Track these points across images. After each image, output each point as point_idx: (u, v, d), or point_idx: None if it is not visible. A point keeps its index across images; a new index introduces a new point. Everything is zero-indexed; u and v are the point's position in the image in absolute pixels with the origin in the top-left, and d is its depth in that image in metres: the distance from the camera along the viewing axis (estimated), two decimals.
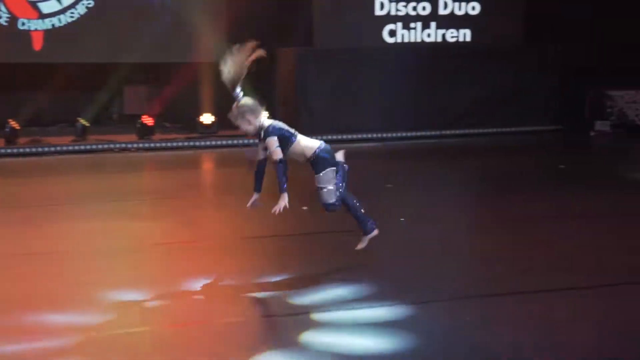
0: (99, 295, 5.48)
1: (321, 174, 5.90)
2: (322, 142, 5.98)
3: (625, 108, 13.64)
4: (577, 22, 14.15)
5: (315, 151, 5.89)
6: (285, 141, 5.82)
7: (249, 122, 5.79)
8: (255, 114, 5.80)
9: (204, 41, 13.65)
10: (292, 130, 5.93)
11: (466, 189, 9.62)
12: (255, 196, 5.97)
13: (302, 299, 5.38)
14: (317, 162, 5.91)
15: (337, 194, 5.89)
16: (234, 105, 5.82)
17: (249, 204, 5.98)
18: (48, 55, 13.33)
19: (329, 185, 5.89)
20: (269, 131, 5.78)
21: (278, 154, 5.72)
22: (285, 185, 5.71)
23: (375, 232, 6.07)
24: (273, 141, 5.74)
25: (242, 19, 13.79)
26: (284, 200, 5.70)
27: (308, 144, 5.93)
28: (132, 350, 4.61)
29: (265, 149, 5.80)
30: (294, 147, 5.87)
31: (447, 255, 6.51)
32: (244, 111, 5.78)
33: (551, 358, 4.43)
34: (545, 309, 5.16)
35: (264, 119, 5.85)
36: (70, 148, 12.27)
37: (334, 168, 5.93)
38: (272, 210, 5.70)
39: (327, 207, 5.94)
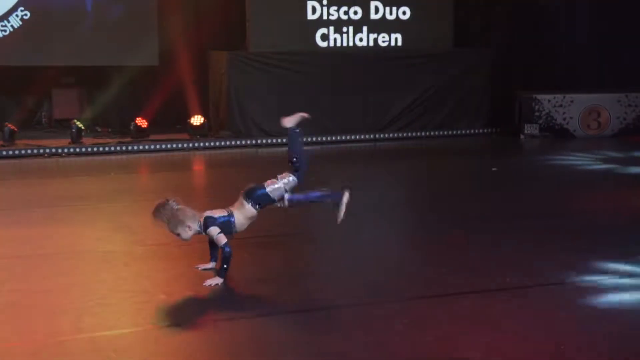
0: (29, 303, 5.37)
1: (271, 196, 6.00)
2: (247, 198, 5.95)
3: (553, 112, 13.94)
4: (505, 26, 14.45)
5: (255, 208, 5.95)
6: (227, 225, 5.87)
7: (190, 228, 5.80)
8: (194, 219, 5.81)
9: (136, 44, 13.56)
10: (226, 212, 5.93)
11: (399, 191, 9.71)
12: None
13: (239, 303, 5.38)
14: (262, 204, 5.99)
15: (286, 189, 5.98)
16: (170, 214, 5.75)
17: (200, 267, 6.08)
18: None
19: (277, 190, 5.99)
20: (207, 224, 5.81)
21: (222, 240, 5.77)
22: (224, 273, 5.75)
23: (347, 195, 6.11)
24: (214, 231, 5.79)
25: (174, 22, 13.76)
26: (218, 281, 5.72)
27: (246, 213, 5.95)
28: (66, 358, 4.53)
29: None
30: (238, 223, 5.92)
31: (380, 258, 6.56)
32: (184, 219, 5.76)
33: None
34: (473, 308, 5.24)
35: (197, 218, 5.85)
36: None
37: (280, 193, 6.01)
38: (204, 283, 5.69)
39: (289, 203, 6.01)
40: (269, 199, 5.99)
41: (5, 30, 13.08)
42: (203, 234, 5.88)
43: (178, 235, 5.83)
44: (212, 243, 5.99)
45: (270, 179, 6.04)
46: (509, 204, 8.58)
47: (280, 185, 6.01)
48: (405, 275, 6.03)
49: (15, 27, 13.11)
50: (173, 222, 5.78)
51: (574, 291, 5.59)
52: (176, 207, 5.79)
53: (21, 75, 13.38)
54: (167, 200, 5.83)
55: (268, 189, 5.99)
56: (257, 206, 5.96)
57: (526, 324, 4.95)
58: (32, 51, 13.19)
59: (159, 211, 5.81)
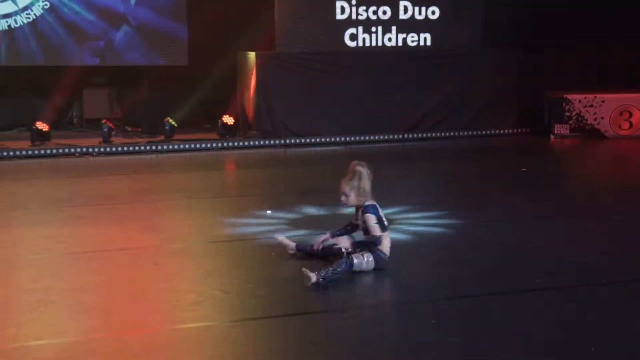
0: (60, 301, 5.43)
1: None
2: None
3: (583, 112, 13.83)
4: (535, 27, 14.34)
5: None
6: (382, 225, 6.04)
7: (359, 200, 6.03)
8: (366, 195, 6.02)
9: (166, 44, 13.67)
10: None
11: (429, 191, 9.69)
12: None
13: (269, 303, 5.39)
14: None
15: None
16: (359, 176, 6.02)
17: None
18: (3, 59, 13.21)
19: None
20: (369, 210, 5.99)
21: (377, 230, 5.97)
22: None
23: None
24: (373, 219, 5.98)
25: (205, 23, 13.84)
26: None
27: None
28: (95, 356, 4.57)
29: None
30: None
31: (412, 259, 6.55)
32: (364, 189, 6.02)
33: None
34: (506, 310, 5.22)
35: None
36: (30, 152, 12.10)
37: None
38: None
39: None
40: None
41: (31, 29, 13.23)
42: (360, 214, 6.02)
43: (346, 196, 6.01)
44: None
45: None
46: (547, 203, 8.52)
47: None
48: None
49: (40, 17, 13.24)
50: (355, 184, 5.99)
51: None
52: (363, 173, 6.01)
53: (52, 75, 13.52)
54: (365, 167, 6.04)
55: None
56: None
57: None
58: (62, 52, 13.33)
59: (357, 170, 6.03)
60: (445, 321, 5.06)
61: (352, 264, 5.88)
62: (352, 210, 6.30)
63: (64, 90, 13.72)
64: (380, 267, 5.98)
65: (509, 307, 5.28)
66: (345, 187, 6.05)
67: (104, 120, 12.97)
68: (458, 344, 4.68)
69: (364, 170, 6.06)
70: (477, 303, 5.38)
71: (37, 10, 13.20)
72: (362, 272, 5.90)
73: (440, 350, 4.58)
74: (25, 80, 13.76)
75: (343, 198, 6.07)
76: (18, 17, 13.15)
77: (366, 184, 6.03)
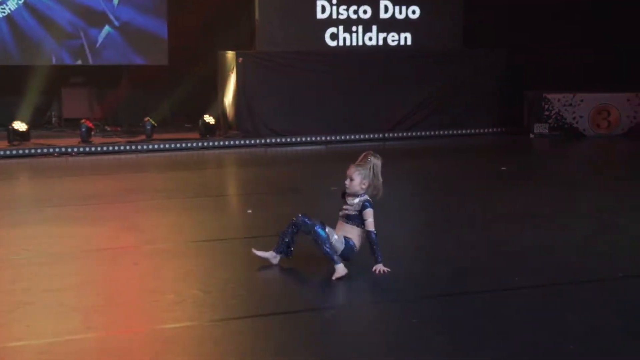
0: (39, 302, 5.40)
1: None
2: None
3: (563, 111, 13.91)
4: (515, 27, 14.42)
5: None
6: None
7: (362, 188, 6.00)
8: (368, 182, 6.01)
9: (146, 44, 13.63)
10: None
11: (409, 191, 9.70)
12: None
13: (250, 303, 5.38)
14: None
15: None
16: (370, 165, 6.04)
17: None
18: None
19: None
20: (368, 205, 5.98)
21: (372, 225, 5.95)
22: (380, 255, 5.97)
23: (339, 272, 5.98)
24: (371, 213, 5.97)
25: (185, 23, 13.81)
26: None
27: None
28: (75, 358, 4.54)
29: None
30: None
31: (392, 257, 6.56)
32: (370, 177, 6.02)
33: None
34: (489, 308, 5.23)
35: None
36: (8, 152, 12.01)
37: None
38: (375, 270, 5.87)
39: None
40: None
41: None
42: (357, 205, 5.98)
43: (352, 180, 5.99)
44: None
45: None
46: (525, 203, 8.56)
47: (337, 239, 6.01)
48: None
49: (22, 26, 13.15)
50: (365, 173, 5.99)
51: None
52: (378, 166, 6.04)
53: (30, 74, 13.41)
54: (379, 159, 6.08)
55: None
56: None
57: None
58: (42, 50, 13.24)
59: (368, 158, 6.06)
60: (427, 320, 5.07)
61: (324, 228, 5.89)
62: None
63: (42, 89, 13.62)
64: (347, 256, 5.94)
65: (490, 306, 5.30)
66: (354, 173, 6.02)
67: (83, 120, 12.89)
68: (440, 342, 4.68)
69: (379, 163, 6.06)
70: (458, 301, 5.38)
71: (12, 4, 13.08)
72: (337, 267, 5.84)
73: (421, 349, 4.58)
74: (2, 79, 13.65)
75: (347, 182, 6.03)
76: None
77: (374, 171, 6.03)
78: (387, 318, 5.16)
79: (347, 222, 6.05)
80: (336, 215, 6.14)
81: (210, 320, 5.11)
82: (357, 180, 6.01)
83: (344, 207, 6.10)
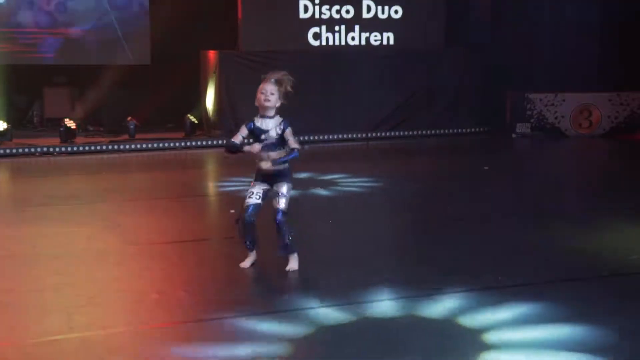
0: (22, 302, 5.37)
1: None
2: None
3: (544, 111, 13.98)
4: (497, 27, 14.48)
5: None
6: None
7: (279, 102, 6.14)
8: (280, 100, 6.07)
9: (129, 43, 13.57)
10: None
11: (393, 190, 9.72)
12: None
13: (234, 302, 5.38)
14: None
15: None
16: (285, 84, 6.25)
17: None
18: None
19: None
20: (288, 125, 6.19)
21: (295, 142, 6.12)
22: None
23: (293, 263, 6.01)
24: (291, 132, 6.17)
25: (168, 22, 13.76)
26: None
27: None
28: (57, 358, 4.52)
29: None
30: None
31: (378, 255, 6.57)
32: (285, 94, 6.19)
33: None
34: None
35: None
36: None
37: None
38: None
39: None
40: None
41: None
42: (282, 127, 6.17)
43: (272, 94, 6.14)
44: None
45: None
46: (508, 202, 8.60)
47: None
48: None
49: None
50: (280, 89, 6.17)
51: None
52: (291, 85, 6.21)
53: (11, 73, 13.34)
54: (289, 78, 6.25)
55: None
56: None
57: None
58: (23, 50, 13.18)
59: (282, 77, 6.25)
60: (412, 319, 5.08)
61: (284, 212, 5.91)
62: None
63: (23, 88, 13.55)
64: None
65: (475, 304, 5.32)
66: (271, 87, 6.11)
67: (64, 120, 12.83)
68: (427, 342, 4.70)
69: (287, 81, 6.22)
70: (444, 300, 5.40)
71: None
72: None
73: (405, 349, 4.60)
74: None
75: (265, 97, 6.13)
76: None
77: (287, 89, 6.16)
78: (370, 317, 5.16)
79: (272, 151, 6.12)
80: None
81: (194, 319, 5.10)
82: (276, 96, 6.13)
83: (262, 137, 6.14)
